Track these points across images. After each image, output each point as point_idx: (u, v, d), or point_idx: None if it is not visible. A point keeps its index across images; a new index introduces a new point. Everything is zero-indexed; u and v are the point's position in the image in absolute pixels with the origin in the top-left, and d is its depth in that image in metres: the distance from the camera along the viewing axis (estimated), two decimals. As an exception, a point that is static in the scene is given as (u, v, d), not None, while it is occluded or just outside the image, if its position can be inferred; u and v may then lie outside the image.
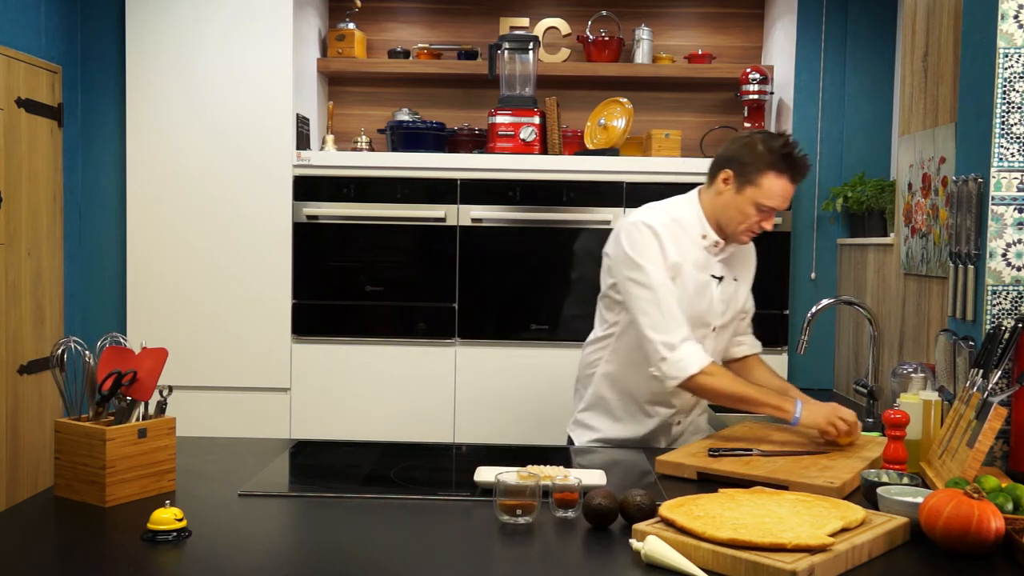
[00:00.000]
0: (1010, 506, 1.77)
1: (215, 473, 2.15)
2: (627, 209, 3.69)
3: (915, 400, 2.25)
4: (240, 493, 1.99)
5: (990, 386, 2.04)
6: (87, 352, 2.01)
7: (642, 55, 4.04)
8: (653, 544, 1.59)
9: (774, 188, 2.35)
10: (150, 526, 1.69)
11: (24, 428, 3.50)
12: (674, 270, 2.38)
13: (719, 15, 4.23)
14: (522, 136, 3.80)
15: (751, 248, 2.61)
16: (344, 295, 3.80)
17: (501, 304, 3.77)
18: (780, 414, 2.32)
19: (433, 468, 2.36)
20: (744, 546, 1.55)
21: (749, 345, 2.64)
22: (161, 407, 2.02)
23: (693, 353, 2.32)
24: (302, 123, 3.86)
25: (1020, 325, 2.12)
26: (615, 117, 3.90)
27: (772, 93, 3.95)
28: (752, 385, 2.41)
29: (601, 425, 2.56)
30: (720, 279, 2.47)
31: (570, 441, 2.62)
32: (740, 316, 2.59)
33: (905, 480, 1.95)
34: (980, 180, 2.29)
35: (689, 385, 2.33)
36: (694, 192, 2.53)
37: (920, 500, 1.75)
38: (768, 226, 2.42)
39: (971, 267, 2.32)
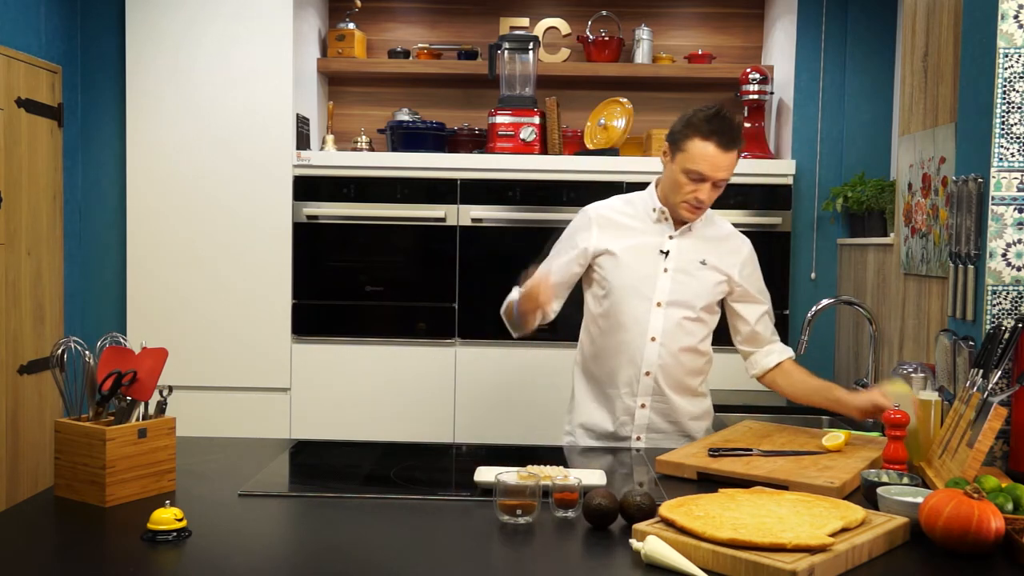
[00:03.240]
0: (1010, 506, 1.77)
1: (215, 473, 2.15)
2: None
3: (904, 390, 2.26)
4: (240, 493, 1.99)
5: (990, 386, 2.04)
6: (87, 352, 2.01)
7: (642, 55, 4.04)
8: (653, 544, 1.59)
9: (698, 151, 2.41)
10: (150, 526, 1.69)
11: (24, 428, 3.49)
12: (591, 253, 2.55)
13: (719, 15, 4.23)
14: (522, 136, 3.80)
15: (739, 243, 2.60)
16: (344, 295, 3.80)
17: (501, 304, 3.76)
18: None
19: (433, 468, 2.36)
20: (744, 546, 1.55)
21: (778, 352, 2.61)
22: (161, 407, 2.02)
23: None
24: (302, 123, 3.86)
25: (1020, 325, 2.12)
26: (615, 117, 3.90)
27: (772, 93, 3.94)
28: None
29: (577, 420, 2.63)
30: (667, 254, 2.52)
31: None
32: (710, 307, 2.57)
33: (905, 480, 1.95)
34: (980, 180, 2.29)
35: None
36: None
37: (920, 500, 1.75)
38: (703, 197, 2.44)
39: (971, 267, 2.32)
